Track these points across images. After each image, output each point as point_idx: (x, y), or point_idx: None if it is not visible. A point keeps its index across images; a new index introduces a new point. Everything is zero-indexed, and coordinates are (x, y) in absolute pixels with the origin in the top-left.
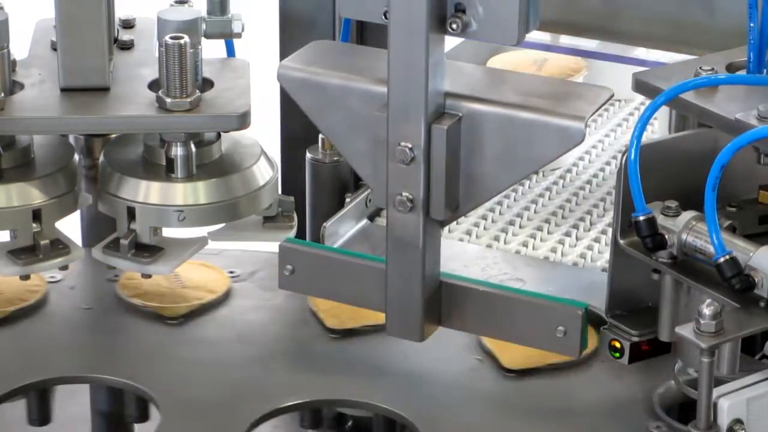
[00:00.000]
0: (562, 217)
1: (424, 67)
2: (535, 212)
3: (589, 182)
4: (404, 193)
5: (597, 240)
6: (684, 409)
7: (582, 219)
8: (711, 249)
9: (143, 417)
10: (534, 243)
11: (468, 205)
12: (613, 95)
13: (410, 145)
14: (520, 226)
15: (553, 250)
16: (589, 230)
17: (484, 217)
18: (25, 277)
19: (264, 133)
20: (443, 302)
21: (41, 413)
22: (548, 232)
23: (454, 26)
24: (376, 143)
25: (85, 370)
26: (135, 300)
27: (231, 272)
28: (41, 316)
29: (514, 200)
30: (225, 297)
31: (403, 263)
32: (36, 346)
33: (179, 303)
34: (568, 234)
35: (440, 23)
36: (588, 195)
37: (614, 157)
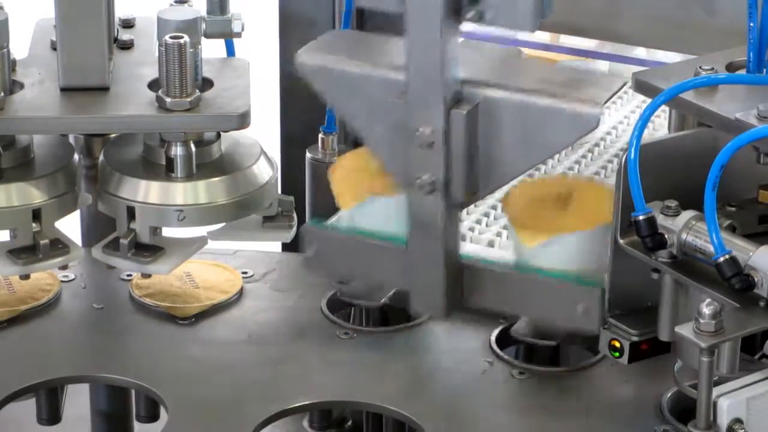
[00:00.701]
0: None
1: (441, 54)
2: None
3: (591, 179)
4: (424, 177)
5: None
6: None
7: None
8: (711, 248)
9: (153, 417)
10: None
11: (487, 188)
12: (626, 83)
13: (430, 130)
14: (499, 245)
15: None
16: None
17: (486, 215)
18: (25, 277)
19: (264, 133)
20: (465, 281)
21: (51, 412)
22: None
23: (470, 14)
24: (395, 128)
25: (96, 370)
26: (147, 300)
27: (244, 273)
28: (53, 315)
29: (486, 225)
30: (237, 297)
31: (425, 245)
32: (47, 345)
33: (191, 303)
34: None
35: (456, 11)
36: None
37: (616, 156)
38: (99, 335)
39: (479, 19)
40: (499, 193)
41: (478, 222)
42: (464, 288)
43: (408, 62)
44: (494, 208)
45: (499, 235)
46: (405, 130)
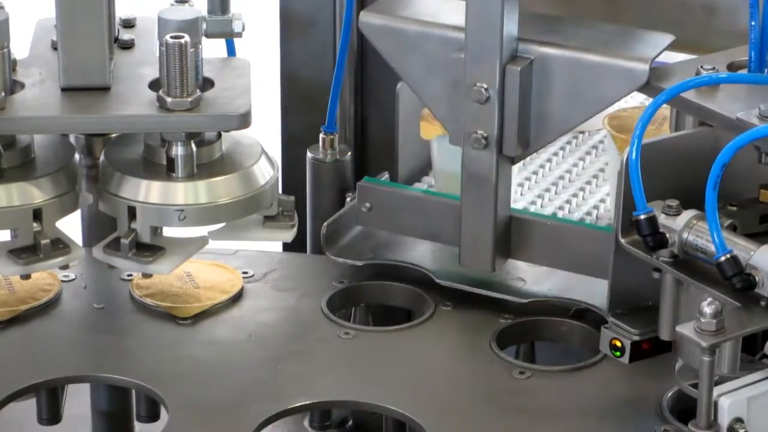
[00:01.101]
0: (576, 206)
1: (500, 12)
2: (548, 200)
3: (554, 215)
4: (479, 131)
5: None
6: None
7: (596, 206)
8: (712, 248)
9: (153, 417)
10: None
11: (538, 143)
12: (674, 40)
13: (486, 86)
14: (542, 206)
15: None
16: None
17: (535, 172)
18: (26, 277)
19: (264, 133)
20: (513, 236)
21: (51, 412)
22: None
23: None
24: (452, 85)
25: (96, 370)
26: (147, 300)
27: (245, 273)
28: (53, 315)
29: (528, 188)
30: (238, 297)
31: (477, 198)
32: (47, 344)
33: (192, 303)
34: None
35: None
36: (594, 190)
37: (582, 189)
38: (99, 335)
39: None
40: (545, 153)
41: (528, 179)
42: (512, 243)
43: (468, 19)
44: (542, 167)
45: (548, 190)
46: (461, 86)
